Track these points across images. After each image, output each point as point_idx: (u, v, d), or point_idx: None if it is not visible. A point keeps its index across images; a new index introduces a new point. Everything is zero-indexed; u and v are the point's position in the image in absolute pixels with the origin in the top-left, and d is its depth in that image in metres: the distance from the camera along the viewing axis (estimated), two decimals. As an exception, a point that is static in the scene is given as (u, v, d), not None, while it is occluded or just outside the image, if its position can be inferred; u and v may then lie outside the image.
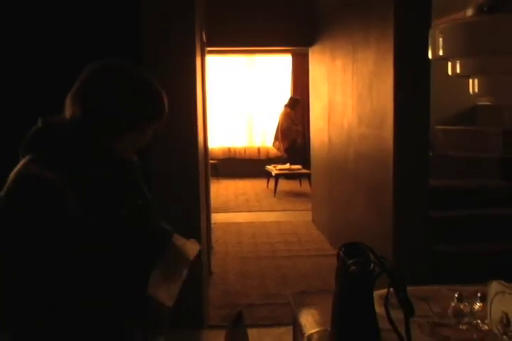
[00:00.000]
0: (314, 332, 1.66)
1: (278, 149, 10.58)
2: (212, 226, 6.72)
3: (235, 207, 8.35)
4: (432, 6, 3.73)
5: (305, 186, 9.43)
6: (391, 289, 1.44)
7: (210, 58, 7.52)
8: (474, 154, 5.23)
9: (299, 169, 9.36)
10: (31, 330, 1.41)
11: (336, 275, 1.49)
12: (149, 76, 1.55)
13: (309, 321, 1.75)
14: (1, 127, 3.24)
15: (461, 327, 1.65)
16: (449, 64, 1.93)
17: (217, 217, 7.23)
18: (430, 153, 4.09)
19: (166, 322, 1.58)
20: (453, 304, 1.68)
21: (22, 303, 1.39)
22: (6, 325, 1.40)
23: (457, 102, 5.90)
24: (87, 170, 1.45)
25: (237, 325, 1.82)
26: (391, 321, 1.44)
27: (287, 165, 9.44)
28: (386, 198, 4.02)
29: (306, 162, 8.76)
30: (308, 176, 8.50)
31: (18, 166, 1.44)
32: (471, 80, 1.92)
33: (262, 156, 11.55)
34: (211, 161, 7.87)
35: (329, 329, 1.54)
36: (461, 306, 1.67)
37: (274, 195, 9.13)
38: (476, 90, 1.91)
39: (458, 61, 1.89)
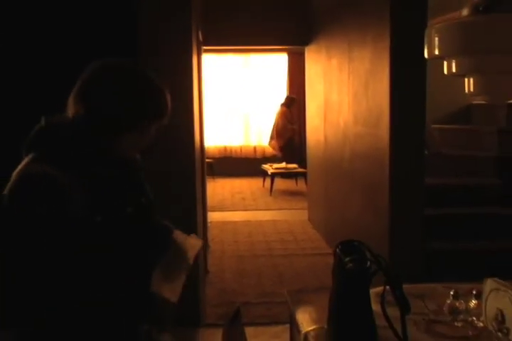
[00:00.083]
0: (311, 330, 1.67)
1: (274, 148, 10.59)
2: (209, 225, 6.73)
3: (231, 206, 8.36)
4: (427, 5, 3.74)
5: (301, 185, 9.44)
6: (387, 287, 1.45)
7: (206, 57, 7.52)
8: (469, 153, 5.25)
9: (295, 168, 9.37)
10: (32, 330, 1.41)
11: (333, 273, 1.50)
12: (152, 75, 1.54)
13: (306, 319, 1.76)
14: (2, 127, 3.24)
15: (456, 324, 1.66)
16: (445, 63, 1.95)
17: (213, 216, 7.24)
18: (426, 152, 4.11)
19: (171, 319, 1.58)
20: (448, 301, 1.70)
21: (25, 302, 1.39)
22: (7, 324, 1.40)
23: (453, 101, 5.92)
24: (90, 168, 1.45)
25: (234, 323, 1.83)
26: (387, 318, 1.45)
27: (283, 164, 9.45)
28: (382, 197, 4.03)
29: (302, 161, 8.77)
30: (304, 175, 8.51)
31: (21, 165, 1.44)
32: (466, 79, 1.94)
33: (258, 155, 11.56)
34: (207, 160, 7.87)
35: (326, 326, 1.55)
36: (457, 303, 1.69)
37: (270, 194, 9.14)
38: (472, 89, 1.92)
39: (454, 60, 1.90)
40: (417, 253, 3.89)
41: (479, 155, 5.13)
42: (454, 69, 1.91)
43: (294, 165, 9.40)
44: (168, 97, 1.55)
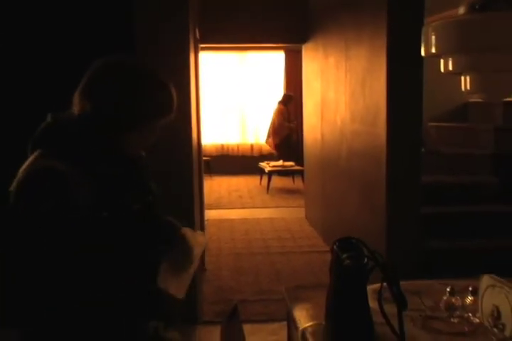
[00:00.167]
0: (308, 326, 1.68)
1: (271, 146, 10.59)
2: (206, 222, 6.74)
3: (228, 204, 8.36)
4: (424, 3, 3.75)
5: (298, 183, 9.45)
6: (384, 283, 1.46)
7: (203, 55, 7.51)
8: (466, 150, 5.26)
9: (291, 166, 9.37)
10: (33, 330, 1.41)
11: (330, 270, 1.51)
12: (157, 72, 1.53)
13: (303, 315, 1.77)
14: (8, 125, 3.25)
15: (452, 320, 1.67)
16: (442, 61, 1.95)
17: (210, 214, 7.24)
18: (422, 150, 4.12)
19: (178, 315, 1.57)
20: (445, 298, 1.71)
21: (27, 302, 1.38)
22: (8, 324, 1.39)
23: (449, 99, 5.93)
24: (96, 165, 1.45)
25: (232, 320, 1.84)
26: (384, 315, 1.46)
27: (280, 162, 9.44)
28: (379, 195, 4.04)
29: (298, 158, 8.77)
30: (301, 173, 8.51)
31: (28, 161, 1.43)
32: (463, 77, 1.94)
33: (255, 153, 11.56)
34: (204, 158, 7.87)
35: (323, 323, 1.56)
36: (453, 300, 1.69)
37: (267, 192, 9.15)
38: (468, 87, 1.93)
39: (450, 58, 1.91)
40: (413, 251, 3.90)
41: (476, 153, 5.14)
42: (450, 68, 1.91)
43: (291, 163, 9.39)
44: (174, 93, 1.54)
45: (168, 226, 1.70)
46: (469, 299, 1.72)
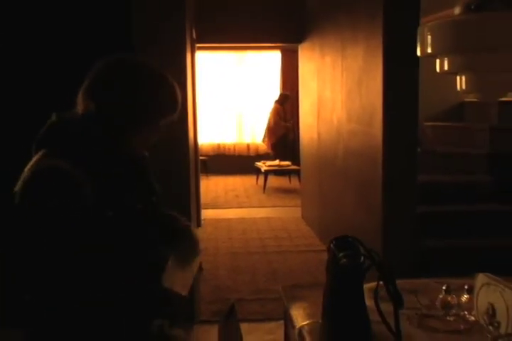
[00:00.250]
0: (305, 324, 1.69)
1: (267, 145, 10.60)
2: (202, 222, 6.75)
3: (224, 204, 8.36)
4: (420, 3, 3.76)
5: (294, 182, 9.45)
6: (380, 282, 1.47)
7: (199, 55, 7.52)
8: (462, 150, 5.28)
9: (288, 165, 9.37)
10: (35, 329, 1.41)
11: (327, 268, 1.52)
12: (161, 71, 1.52)
13: (300, 314, 1.78)
14: (10, 126, 3.25)
15: (448, 318, 1.68)
16: (437, 61, 1.96)
17: (206, 213, 7.25)
18: (418, 149, 4.13)
19: (182, 313, 1.57)
20: (441, 296, 1.72)
21: (31, 301, 1.39)
22: (9, 324, 1.40)
23: (445, 99, 5.95)
24: (100, 164, 1.45)
25: (229, 319, 1.84)
26: (381, 313, 1.47)
27: (277, 162, 9.45)
28: (375, 194, 4.05)
29: (294, 158, 8.78)
30: (297, 172, 8.52)
31: (33, 161, 1.43)
32: (458, 77, 1.95)
33: (252, 153, 11.56)
34: (201, 158, 7.88)
35: (320, 321, 1.57)
36: (449, 298, 1.70)
37: (264, 191, 9.15)
38: (464, 87, 1.94)
39: (446, 58, 1.92)
40: (409, 251, 3.92)
41: (471, 153, 5.16)
42: (446, 67, 1.92)
43: (288, 163, 9.40)
44: (178, 92, 1.54)
45: (173, 221, 1.70)
46: (465, 297, 1.73)
